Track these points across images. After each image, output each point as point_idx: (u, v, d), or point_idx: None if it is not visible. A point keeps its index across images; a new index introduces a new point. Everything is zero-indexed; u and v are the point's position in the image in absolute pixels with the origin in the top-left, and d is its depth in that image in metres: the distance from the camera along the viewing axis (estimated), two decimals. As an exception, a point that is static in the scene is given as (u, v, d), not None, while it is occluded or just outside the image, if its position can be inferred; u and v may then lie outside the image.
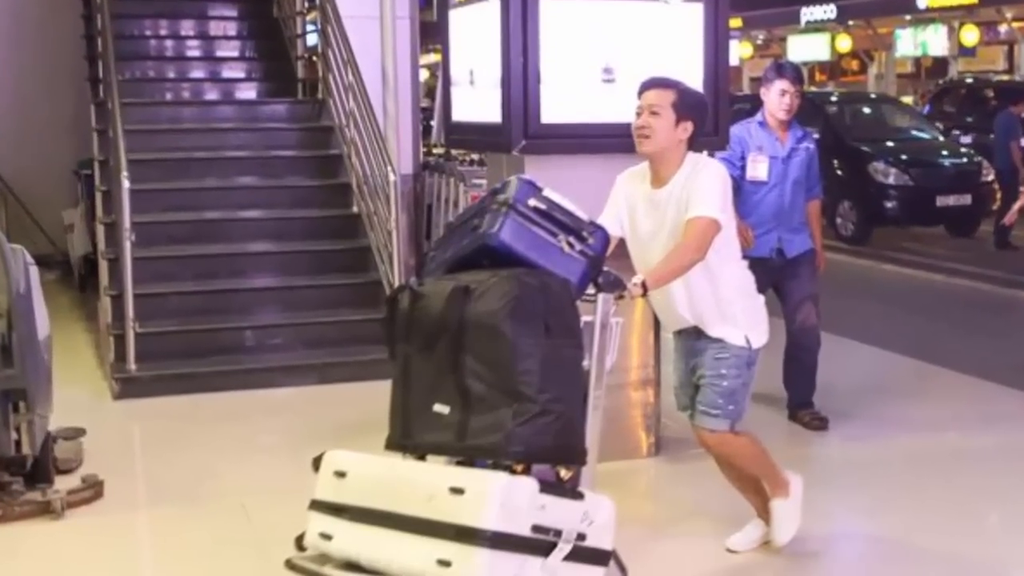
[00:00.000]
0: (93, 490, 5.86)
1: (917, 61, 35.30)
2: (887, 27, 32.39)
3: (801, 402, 7.14)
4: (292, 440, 6.78)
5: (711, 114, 5.53)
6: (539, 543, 3.66)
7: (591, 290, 4.10)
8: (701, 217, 4.57)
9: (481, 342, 3.76)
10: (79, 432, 6.47)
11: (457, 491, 3.61)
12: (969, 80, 23.40)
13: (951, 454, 6.72)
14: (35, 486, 5.76)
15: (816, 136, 8.19)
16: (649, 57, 5.94)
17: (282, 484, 5.82)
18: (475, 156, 11.00)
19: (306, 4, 11.19)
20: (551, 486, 3.78)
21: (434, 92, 16.71)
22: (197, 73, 11.62)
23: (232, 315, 8.67)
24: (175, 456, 6.69)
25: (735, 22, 30.05)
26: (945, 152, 16.85)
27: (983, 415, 7.41)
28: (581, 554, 3.76)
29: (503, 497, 3.58)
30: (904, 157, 15.94)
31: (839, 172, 15.63)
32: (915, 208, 15.67)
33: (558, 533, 3.69)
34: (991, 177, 15.88)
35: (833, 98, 18.93)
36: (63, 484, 5.86)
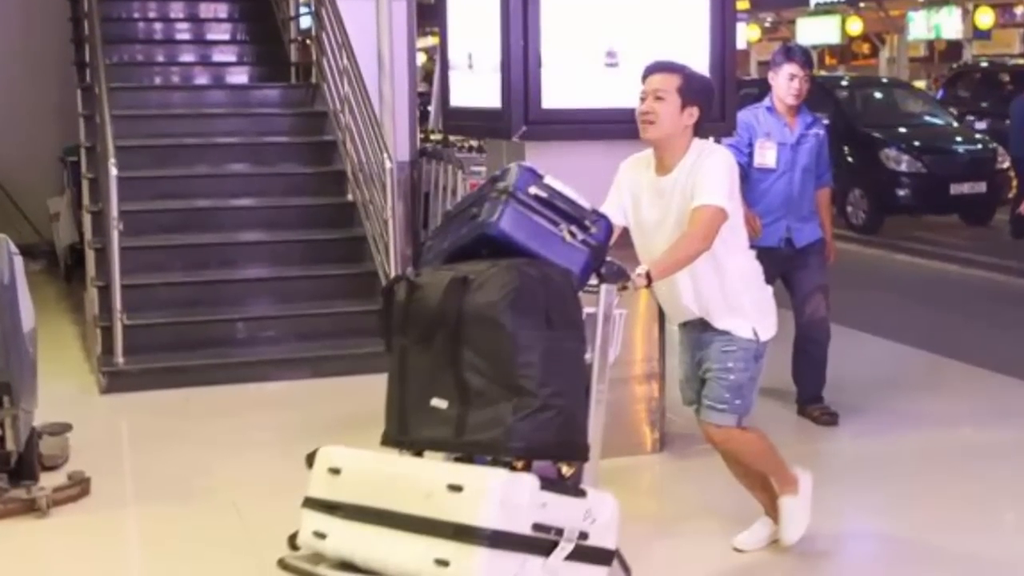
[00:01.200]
0: (79, 487, 5.86)
1: (930, 44, 35.30)
2: (899, 9, 32.38)
3: (810, 396, 7.14)
4: (285, 436, 6.78)
5: (717, 99, 5.51)
6: (540, 542, 3.65)
7: (594, 281, 4.09)
8: (707, 206, 4.56)
9: (480, 335, 3.76)
10: (65, 428, 6.47)
11: (455, 488, 3.61)
12: (984, 64, 23.40)
13: (966, 450, 6.72)
14: (20, 483, 5.75)
15: (826, 122, 8.17)
16: (654, 40, 5.93)
17: (275, 481, 5.83)
18: (474, 142, 10.99)
19: (299, -15, 11.18)
20: (552, 483, 3.78)
21: (432, 76, 16.70)
22: (187, 57, 11.62)
23: (223, 307, 8.67)
24: (164, 452, 6.69)
25: (742, 4, 30.02)
26: (959, 138, 16.84)
27: (999, 409, 7.41)
28: (583, 553, 3.75)
29: (503, 494, 3.58)
30: (917, 143, 15.93)
31: (849, 159, 15.62)
32: (928, 196, 15.66)
33: (560, 532, 3.68)
34: (1007, 164, 15.85)
35: (844, 83, 18.94)
36: (48, 481, 5.86)
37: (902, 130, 16.42)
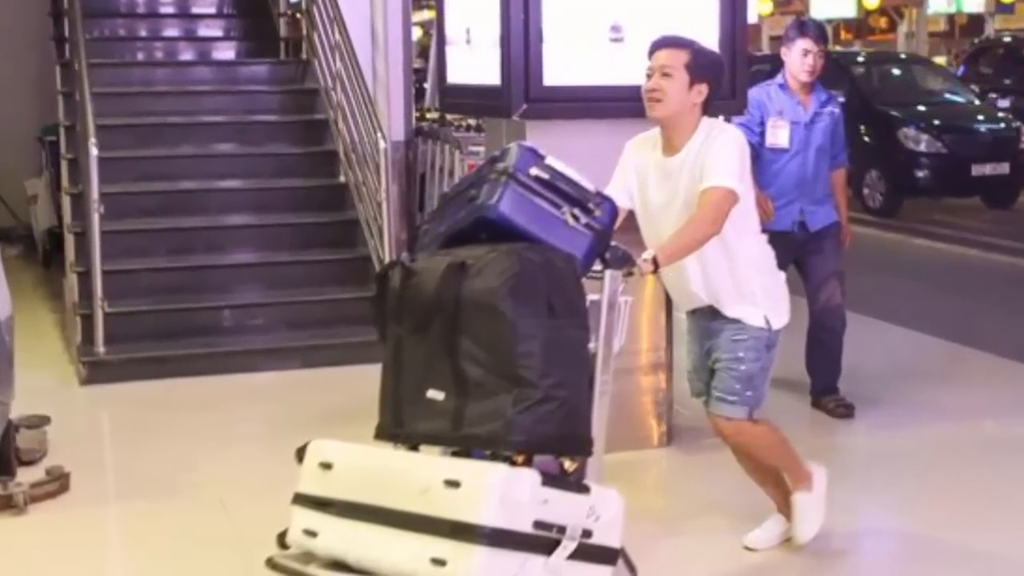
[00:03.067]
0: (58, 483, 5.86)
1: (951, 18, 35.25)
2: (918, -19, 32.35)
3: (825, 387, 7.14)
4: (274, 429, 6.79)
5: (727, 76, 5.50)
6: (541, 540, 3.65)
7: (598, 266, 4.09)
8: (717, 187, 4.56)
9: (478, 323, 3.75)
10: (43, 420, 6.46)
11: (453, 484, 3.60)
12: (1007, 39, 23.35)
13: (987, 443, 6.72)
14: (-4, 479, 5.76)
15: (841, 100, 8.16)
16: (660, 14, 5.92)
17: (263, 476, 5.84)
18: (472, 121, 10.97)
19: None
20: (554, 479, 3.77)
21: (428, 52, 16.69)
22: (171, 31, 11.61)
23: (209, 293, 8.67)
24: (147, 446, 6.69)
25: (754, -24, 29.99)
26: (981, 117, 16.81)
27: (1022, 401, 7.41)
28: (587, 552, 3.75)
29: (503, 491, 3.58)
30: (936, 122, 15.91)
31: (866, 139, 15.61)
32: (948, 177, 15.63)
33: (562, 530, 3.68)
34: (1031, 144, 15.86)
35: (860, 58, 18.90)
36: (26, 476, 5.86)
37: (921, 108, 16.39)
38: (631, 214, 4.81)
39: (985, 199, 16.11)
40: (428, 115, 12.73)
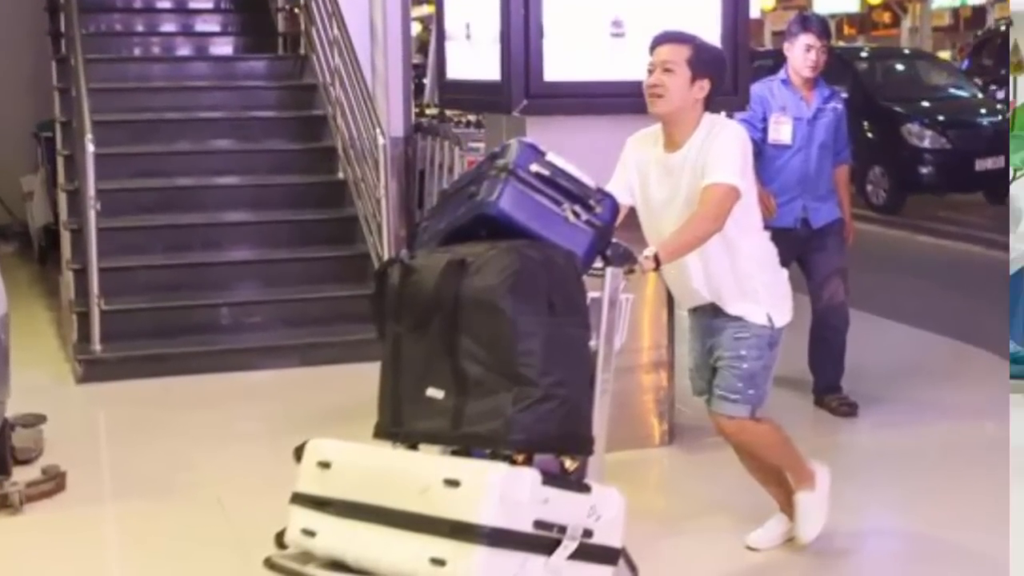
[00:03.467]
0: (54, 482, 5.86)
1: (955, 13, 35.22)
2: (922, -25, 32.36)
3: (828, 386, 7.14)
4: (272, 428, 6.79)
5: (730, 71, 5.50)
6: (542, 540, 3.65)
7: (598, 264, 4.09)
8: (719, 184, 4.56)
9: (478, 320, 3.75)
10: (39, 419, 6.46)
11: (452, 483, 3.60)
12: (1005, 28, 23.34)
13: (991, 442, 6.69)
14: (-9, 478, 5.76)
15: (844, 95, 8.17)
16: (662, 9, 5.92)
17: (261, 476, 5.84)
18: (472, 117, 10.97)
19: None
20: (555, 478, 3.77)
21: (427, 47, 16.67)
22: (168, 26, 11.59)
23: (206, 291, 8.66)
24: (144, 445, 6.69)
25: (756, -30, 29.98)
26: (984, 111, 16.79)
27: (1026, 400, 7.41)
28: (588, 552, 3.75)
29: (503, 490, 3.57)
30: (940, 118, 15.90)
31: (869, 135, 15.59)
32: (952, 173, 15.61)
33: (562, 529, 3.68)
34: (1035, 138, 15.82)
35: (863, 54, 18.91)
36: (21, 476, 5.85)
37: (925, 104, 16.38)
38: (632, 211, 4.81)
39: (989, 195, 16.03)
40: (427, 111, 12.72)
